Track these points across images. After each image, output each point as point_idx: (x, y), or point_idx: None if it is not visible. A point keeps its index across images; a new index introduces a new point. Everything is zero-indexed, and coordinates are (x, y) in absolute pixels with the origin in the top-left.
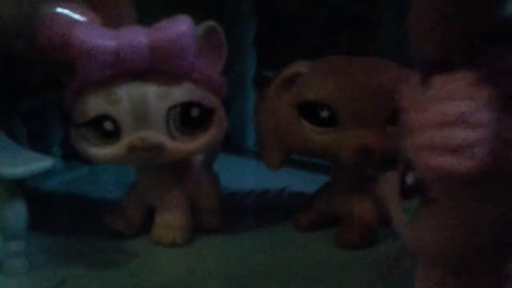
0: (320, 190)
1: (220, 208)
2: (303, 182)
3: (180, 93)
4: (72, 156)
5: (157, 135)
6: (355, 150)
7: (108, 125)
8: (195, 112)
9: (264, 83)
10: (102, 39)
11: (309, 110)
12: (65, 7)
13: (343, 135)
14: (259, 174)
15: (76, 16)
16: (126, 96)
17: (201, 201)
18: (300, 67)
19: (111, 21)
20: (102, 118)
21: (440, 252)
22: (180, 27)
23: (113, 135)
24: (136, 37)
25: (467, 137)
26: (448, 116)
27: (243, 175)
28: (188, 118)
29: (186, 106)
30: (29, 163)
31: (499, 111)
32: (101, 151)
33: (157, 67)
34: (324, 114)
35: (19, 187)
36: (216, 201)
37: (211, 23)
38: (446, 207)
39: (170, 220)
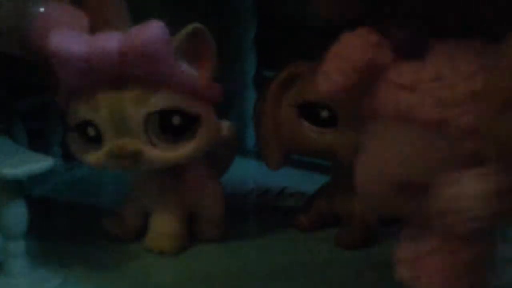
0: (320, 190)
1: (222, 220)
2: (303, 182)
3: (159, 100)
4: (72, 156)
5: (136, 142)
6: (355, 150)
7: (91, 131)
8: (176, 119)
9: (264, 83)
10: (75, 45)
11: (309, 110)
12: (55, 8)
13: (343, 135)
14: (259, 174)
15: (63, 18)
16: (104, 103)
17: (201, 211)
18: (300, 67)
19: (102, 22)
20: (86, 123)
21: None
22: (150, 33)
23: (96, 141)
24: (107, 43)
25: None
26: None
27: (243, 175)
28: (169, 125)
29: (166, 114)
30: (29, 163)
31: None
32: (87, 156)
33: (132, 73)
34: (324, 114)
35: (19, 187)
36: (217, 213)
37: (195, 25)
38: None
39: (162, 227)
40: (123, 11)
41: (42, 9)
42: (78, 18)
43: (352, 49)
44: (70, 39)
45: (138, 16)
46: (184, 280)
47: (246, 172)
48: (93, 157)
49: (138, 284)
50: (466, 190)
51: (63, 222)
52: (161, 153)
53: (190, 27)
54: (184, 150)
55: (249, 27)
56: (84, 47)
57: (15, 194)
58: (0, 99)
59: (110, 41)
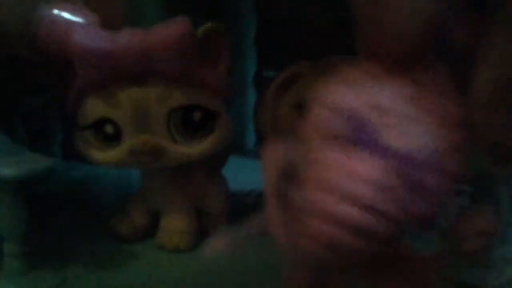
0: None
1: (227, 214)
2: None
3: (181, 96)
4: (72, 156)
5: (158, 139)
6: None
7: (109, 129)
8: (197, 115)
9: (264, 83)
10: (99, 42)
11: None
12: (64, 9)
13: None
14: (259, 174)
15: (76, 18)
16: (127, 100)
17: (207, 205)
18: (300, 67)
19: (106, 21)
20: (103, 121)
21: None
22: (177, 30)
23: (114, 139)
24: (133, 40)
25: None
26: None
27: (243, 175)
28: (190, 121)
29: (187, 110)
30: (29, 163)
31: None
32: (103, 154)
33: (156, 70)
34: None
35: (19, 187)
36: (222, 206)
37: (213, 24)
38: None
39: (174, 224)
40: (123, 11)
41: (52, 11)
42: (88, 18)
43: None
44: (94, 36)
45: (139, 15)
46: (185, 278)
47: (246, 172)
48: (110, 154)
49: (139, 283)
50: None
51: (63, 222)
52: (182, 149)
53: (208, 26)
54: (204, 145)
55: (249, 27)
56: (110, 44)
57: (15, 194)
58: (1, 99)
59: (135, 38)
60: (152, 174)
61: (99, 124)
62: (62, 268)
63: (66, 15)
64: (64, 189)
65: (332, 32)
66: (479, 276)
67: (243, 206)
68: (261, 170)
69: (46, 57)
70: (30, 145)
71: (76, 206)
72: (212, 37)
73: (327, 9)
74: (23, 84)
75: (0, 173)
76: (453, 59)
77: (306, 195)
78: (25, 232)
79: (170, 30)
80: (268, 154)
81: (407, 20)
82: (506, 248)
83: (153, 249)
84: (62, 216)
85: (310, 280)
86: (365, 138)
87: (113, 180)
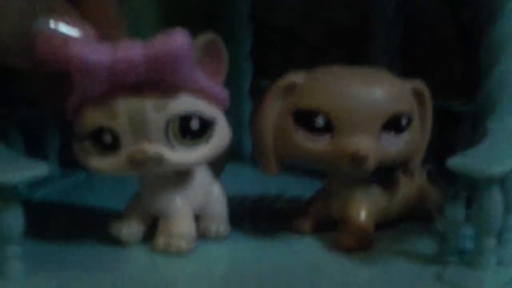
0: (317, 194)
1: (227, 218)
2: (300, 187)
3: (179, 105)
4: (69, 165)
5: (156, 147)
6: (351, 158)
7: (107, 138)
8: (194, 124)
9: (260, 92)
10: (98, 54)
11: (304, 118)
12: (62, 22)
13: (339, 143)
14: (255, 181)
15: (73, 31)
16: (124, 109)
17: (205, 211)
18: (296, 76)
19: (102, 33)
20: (101, 130)
21: None
22: (175, 41)
23: (112, 147)
24: (132, 51)
25: None
26: None
27: (239, 182)
28: (187, 130)
29: (185, 118)
30: (24, 170)
31: None
32: (102, 163)
33: (154, 80)
34: (320, 122)
35: (15, 193)
36: (223, 211)
37: (211, 35)
38: None
39: (173, 228)
40: (120, 23)
41: (49, 23)
42: (85, 31)
43: None
44: (91, 48)
45: (136, 27)
46: (183, 283)
47: (243, 178)
48: (109, 163)
49: (138, 286)
50: None
51: (59, 228)
52: (181, 157)
53: (206, 36)
54: (202, 152)
55: (244, 38)
56: (108, 56)
57: (11, 199)
58: None
59: (134, 50)
60: (150, 179)
61: (97, 134)
62: (60, 272)
63: (63, 27)
64: (60, 195)
65: (328, 41)
66: (474, 277)
67: (239, 212)
68: (258, 178)
69: (43, 70)
70: (27, 153)
71: (73, 211)
72: (209, 46)
73: (323, 19)
74: (20, 94)
75: None
76: None
77: None
78: (21, 237)
79: (169, 41)
80: None
81: None
82: (501, 250)
83: (151, 253)
84: (59, 221)
85: None
86: None
87: (111, 184)
